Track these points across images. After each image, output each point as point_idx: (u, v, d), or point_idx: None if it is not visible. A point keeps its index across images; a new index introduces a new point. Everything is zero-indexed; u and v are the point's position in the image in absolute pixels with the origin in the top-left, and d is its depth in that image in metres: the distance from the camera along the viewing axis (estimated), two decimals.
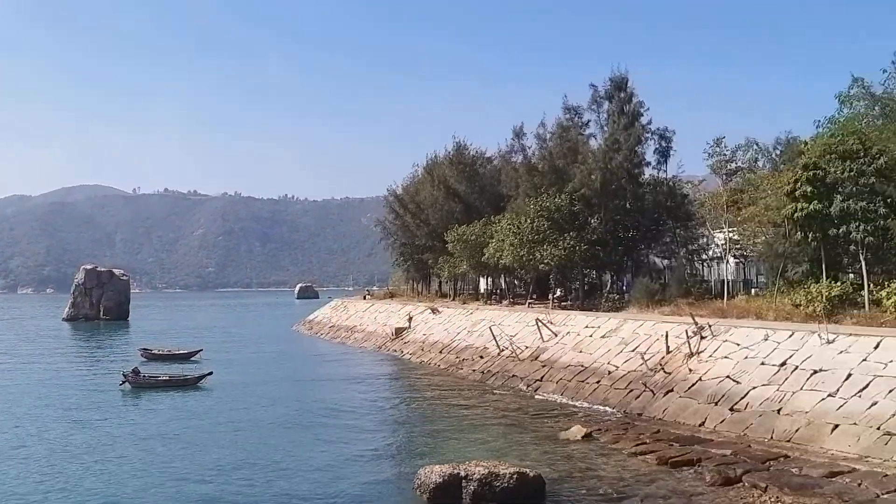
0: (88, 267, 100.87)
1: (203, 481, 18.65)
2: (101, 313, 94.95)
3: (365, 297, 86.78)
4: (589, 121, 52.99)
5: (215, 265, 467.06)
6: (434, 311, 55.51)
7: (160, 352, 50.34)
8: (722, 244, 46.50)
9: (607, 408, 26.97)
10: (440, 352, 44.77)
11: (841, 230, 30.45)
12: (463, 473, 16.37)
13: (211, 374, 37.15)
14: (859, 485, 15.88)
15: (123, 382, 34.60)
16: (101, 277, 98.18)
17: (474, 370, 38.17)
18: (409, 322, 55.30)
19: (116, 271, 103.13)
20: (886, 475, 16.31)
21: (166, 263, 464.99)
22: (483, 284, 67.76)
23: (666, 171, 50.77)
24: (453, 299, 65.84)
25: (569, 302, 49.82)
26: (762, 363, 24.50)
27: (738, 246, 44.70)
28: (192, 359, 48.52)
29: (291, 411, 28.93)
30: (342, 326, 69.57)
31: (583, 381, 30.22)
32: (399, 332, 54.13)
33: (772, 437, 20.48)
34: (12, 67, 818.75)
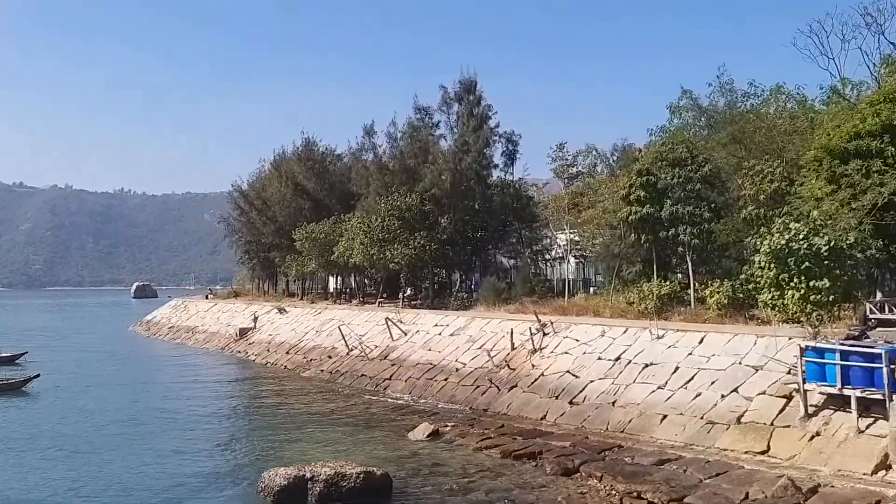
0: None
1: (22, 494, 17.27)
2: None
3: (207, 297, 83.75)
4: (439, 122, 53.86)
5: (43, 262, 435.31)
6: (281, 310, 54.43)
7: None
8: (564, 245, 48.56)
9: (455, 405, 27.39)
10: (287, 352, 43.91)
11: (670, 232, 32.48)
12: (309, 475, 16.15)
13: (38, 376, 34.46)
14: (685, 471, 16.97)
15: None
16: None
17: (322, 370, 37.70)
18: (255, 322, 53.94)
19: None
20: (709, 461, 17.54)
21: None
22: (332, 283, 67.12)
23: (513, 173, 52.45)
24: (301, 299, 64.79)
25: (419, 301, 50.26)
26: (599, 358, 25.74)
27: (579, 247, 46.84)
28: (16, 362, 44.91)
29: (125, 417, 27.32)
30: (183, 327, 66.77)
31: (431, 379, 30.56)
32: (243, 332, 52.67)
33: (607, 429, 21.54)
34: None
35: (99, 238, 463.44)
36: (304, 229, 57.04)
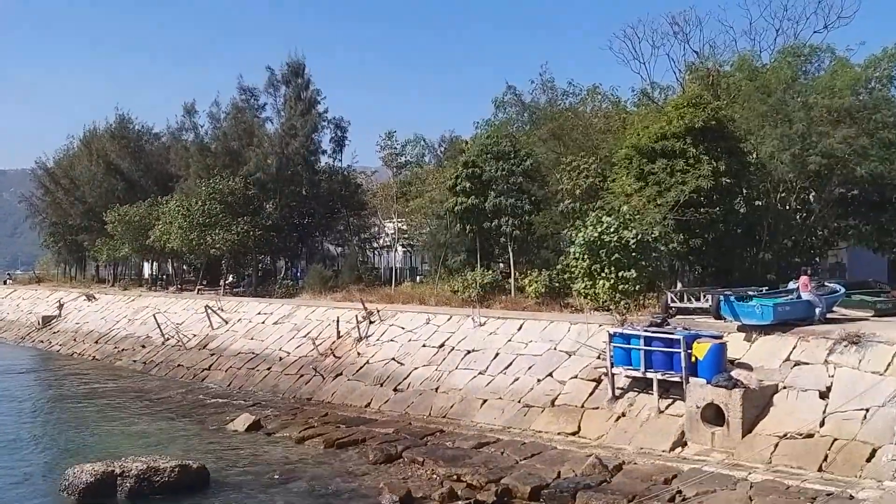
0: None
1: None
2: None
3: (6, 282, 76.85)
4: (266, 104, 52.41)
5: None
6: (90, 297, 51.00)
7: None
8: (391, 233, 48.84)
9: (277, 394, 26.85)
10: (96, 342, 41.21)
11: (494, 223, 33.48)
12: (118, 470, 15.37)
13: None
14: (502, 453, 17.60)
15: None
16: None
17: (135, 361, 35.73)
18: (60, 310, 50.19)
19: None
20: (525, 443, 18.30)
21: None
22: (147, 269, 63.60)
23: (341, 160, 52.02)
24: (113, 285, 60.92)
25: (241, 288, 48.77)
26: (424, 345, 26.13)
27: (406, 235, 47.29)
28: None
29: None
30: None
31: (253, 369, 29.77)
32: (47, 320, 48.87)
33: (430, 414, 21.93)
34: None
35: None
36: (117, 211, 53.46)
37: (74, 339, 43.34)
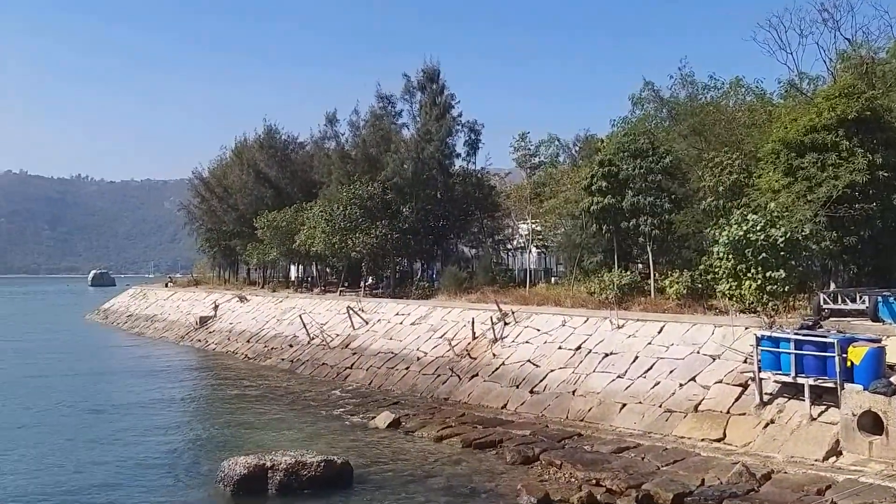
0: None
1: None
2: None
3: (167, 285, 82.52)
4: (402, 110, 53.65)
5: None
6: (241, 299, 53.86)
7: None
8: (525, 234, 48.74)
9: (415, 394, 27.39)
10: (247, 341, 43.49)
11: (631, 223, 32.74)
12: (269, 464, 15.99)
13: None
14: (643, 458, 17.17)
15: None
16: None
17: (283, 359, 37.43)
18: (215, 311, 53.30)
19: None
20: (666, 449, 17.77)
21: None
22: (294, 272, 66.58)
23: (475, 162, 52.35)
24: (262, 287, 64.18)
25: (380, 290, 50.10)
26: (560, 347, 25.90)
27: (540, 236, 47.06)
28: None
29: (80, 408, 26.79)
30: (141, 316, 65.76)
31: (392, 368, 30.50)
32: (203, 321, 52.01)
33: (567, 417, 21.70)
34: None
35: (55, 224, 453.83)
36: (266, 217, 56.48)
37: (228, 339, 45.91)
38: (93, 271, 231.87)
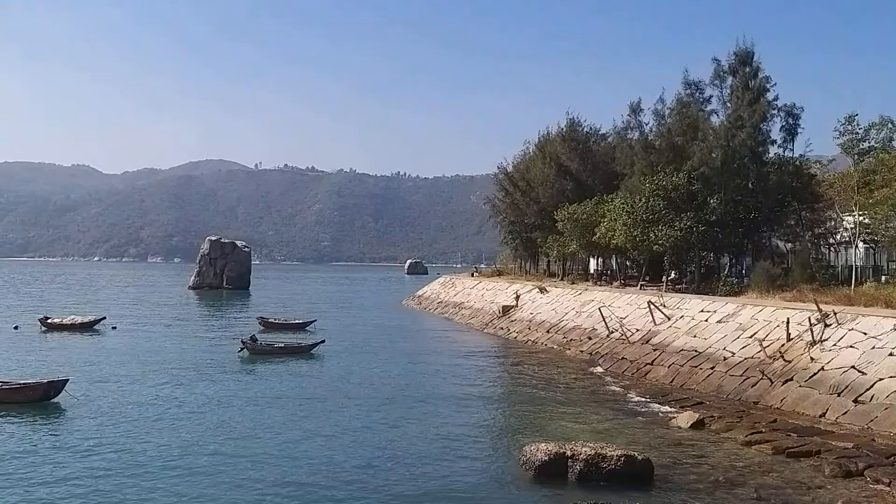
0: (213, 238, 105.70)
1: (308, 445, 19.20)
2: (224, 283, 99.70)
3: (473, 275, 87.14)
4: (711, 96, 51.15)
5: (330, 239, 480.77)
6: (542, 290, 55.09)
7: (276, 321, 52.24)
8: (851, 228, 43.88)
9: (720, 395, 26.02)
10: (547, 331, 44.44)
11: None
12: (569, 453, 16.18)
13: (323, 342, 38.35)
14: None
15: (242, 349, 36.16)
16: (224, 248, 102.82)
17: (582, 351, 37.69)
18: (517, 301, 55.13)
19: (239, 243, 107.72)
20: None
21: (284, 236, 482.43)
22: (593, 264, 66.70)
23: (792, 150, 48.34)
24: (562, 279, 65.16)
25: (683, 285, 48.38)
26: (890, 354, 22.97)
27: (869, 230, 42.06)
28: (307, 329, 50.09)
29: (397, 383, 29.39)
30: (450, 303, 70.16)
31: (696, 367, 29.28)
32: (506, 310, 54.06)
33: None
34: (143, 51, 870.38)
35: (378, 218, 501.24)
36: (566, 210, 57.26)
37: (528, 328, 47.30)
38: (409, 260, 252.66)
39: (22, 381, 24.80)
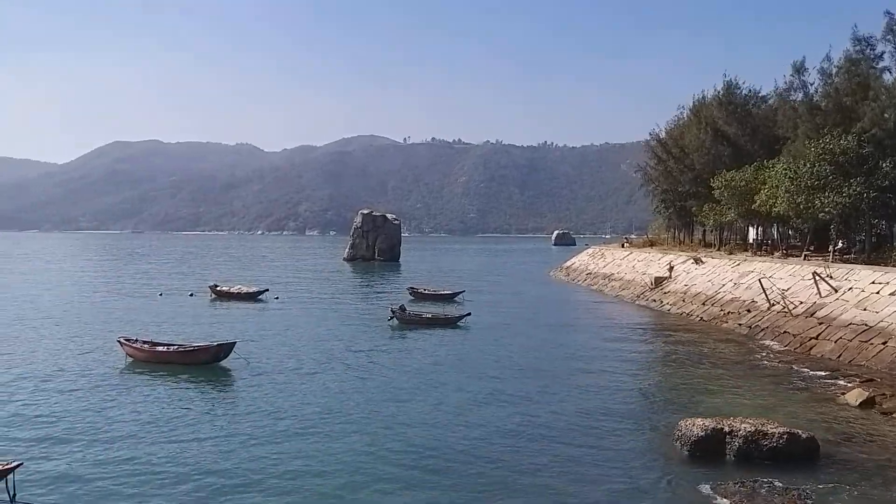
0: (365, 212, 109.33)
1: (455, 414, 19.66)
2: (376, 254, 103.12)
3: (623, 245, 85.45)
4: (883, 53, 47.09)
5: (477, 211, 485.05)
6: (697, 261, 53.28)
7: (426, 291, 53.60)
8: None
9: (894, 372, 24.36)
10: (702, 304, 43.03)
11: None
12: (727, 429, 15.74)
13: (469, 314, 39.05)
14: None
15: (391, 318, 37.50)
16: (376, 222, 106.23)
17: (740, 324, 36.27)
18: (670, 272, 53.64)
19: (389, 216, 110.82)
20: None
21: (432, 209, 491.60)
22: (752, 234, 63.70)
23: None
24: (718, 249, 62.71)
25: (852, 255, 45.34)
26: None
27: None
28: (455, 300, 51.08)
29: (544, 355, 29.49)
30: (599, 274, 69.24)
31: (866, 342, 27.50)
32: (658, 281, 52.74)
33: None
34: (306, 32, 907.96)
35: (524, 189, 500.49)
36: (723, 177, 54.98)
37: (683, 300, 45.96)
38: (556, 231, 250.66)
39: (195, 345, 26.97)
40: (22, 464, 13.12)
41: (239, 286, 54.85)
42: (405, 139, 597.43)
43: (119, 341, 27.29)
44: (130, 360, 26.21)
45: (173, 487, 13.89)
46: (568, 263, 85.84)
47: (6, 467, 12.63)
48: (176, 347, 26.62)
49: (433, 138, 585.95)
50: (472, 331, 36.14)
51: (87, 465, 15.00)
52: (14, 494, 12.69)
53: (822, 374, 24.96)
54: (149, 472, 14.73)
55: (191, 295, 51.41)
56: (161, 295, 51.86)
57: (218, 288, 52.51)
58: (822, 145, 43.39)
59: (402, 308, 38.52)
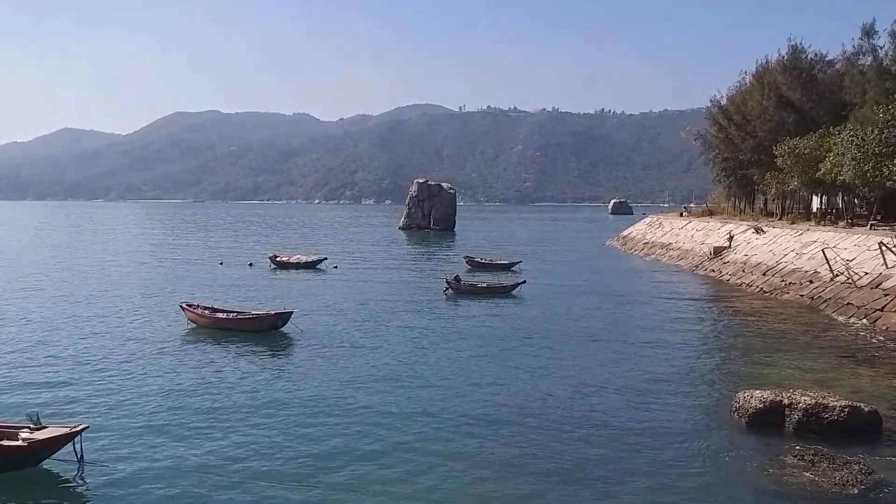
0: (420, 181, 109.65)
1: (507, 384, 19.74)
2: (431, 223, 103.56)
3: (682, 215, 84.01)
4: None
5: (532, 180, 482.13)
6: (758, 230, 52.13)
7: (483, 261, 53.68)
8: None
9: None
10: (763, 274, 42.17)
11: None
12: (786, 401, 15.55)
13: (524, 282, 39.04)
14: None
15: (447, 289, 37.73)
16: (431, 190, 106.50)
17: (801, 295, 35.50)
18: (730, 242, 52.63)
19: (444, 185, 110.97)
20: None
21: (488, 178, 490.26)
22: (816, 203, 61.96)
23: None
24: (780, 219, 61.17)
25: None
26: None
27: None
28: (512, 269, 51.06)
29: (601, 325, 29.36)
30: (656, 243, 68.35)
31: None
32: (718, 251, 51.82)
33: None
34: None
35: (580, 157, 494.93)
36: (787, 144, 53.47)
37: (743, 270, 45.11)
38: (612, 200, 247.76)
39: (255, 312, 27.62)
40: (88, 426, 13.71)
41: (298, 255, 55.72)
42: (460, 108, 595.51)
43: (181, 306, 28.13)
44: (192, 325, 27.02)
45: (234, 451, 14.37)
46: (625, 233, 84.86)
47: (74, 430, 13.22)
48: (235, 315, 27.30)
49: (488, 106, 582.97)
50: (527, 300, 36.18)
51: (149, 431, 15.56)
52: (81, 456, 13.30)
53: (889, 346, 24.36)
54: (209, 436, 15.26)
55: (250, 265, 52.50)
56: (221, 264, 53.14)
57: (278, 258, 53.46)
58: (892, 111, 41.86)
59: (457, 278, 38.70)
